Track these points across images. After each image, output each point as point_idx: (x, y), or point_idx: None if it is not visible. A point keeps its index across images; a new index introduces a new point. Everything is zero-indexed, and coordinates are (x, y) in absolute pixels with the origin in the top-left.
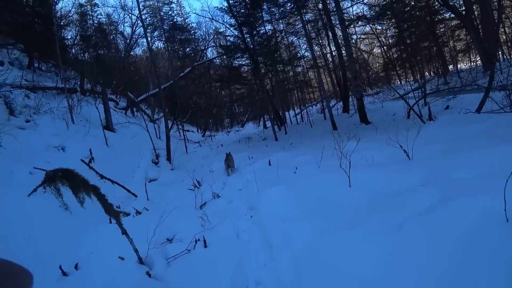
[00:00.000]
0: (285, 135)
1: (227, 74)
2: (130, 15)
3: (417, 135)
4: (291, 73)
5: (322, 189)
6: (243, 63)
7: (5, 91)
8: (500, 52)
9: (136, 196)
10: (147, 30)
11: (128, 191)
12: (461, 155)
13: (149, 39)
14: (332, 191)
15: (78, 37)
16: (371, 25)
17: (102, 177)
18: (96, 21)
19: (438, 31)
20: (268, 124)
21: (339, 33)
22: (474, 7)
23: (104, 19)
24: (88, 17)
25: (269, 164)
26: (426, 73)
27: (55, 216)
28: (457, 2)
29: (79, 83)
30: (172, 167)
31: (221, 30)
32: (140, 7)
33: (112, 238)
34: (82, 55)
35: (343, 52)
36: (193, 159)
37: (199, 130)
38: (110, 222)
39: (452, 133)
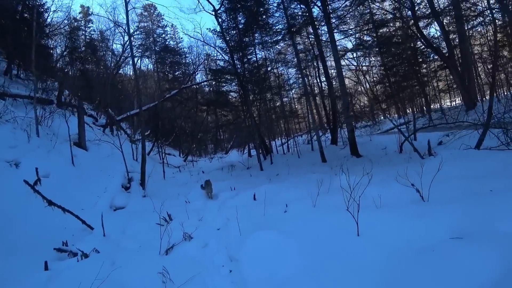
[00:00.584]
0: (271, 165)
1: (214, 98)
2: (123, 33)
3: (437, 172)
4: (278, 102)
5: (322, 237)
6: (232, 89)
7: None
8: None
9: (92, 228)
10: (138, 50)
11: (83, 222)
12: (489, 198)
13: (136, 58)
14: (336, 240)
15: (65, 49)
16: (355, 62)
17: (50, 203)
18: (88, 37)
19: (422, 71)
20: (253, 152)
21: (329, 64)
22: (455, 50)
23: (96, 35)
24: (81, 32)
25: (254, 199)
26: (409, 110)
27: None
28: (440, 44)
29: (56, 94)
30: (145, 193)
31: (212, 54)
32: (133, 26)
33: None
34: (67, 67)
35: (334, 83)
36: (170, 185)
37: (181, 155)
38: (46, 269)
39: (462, 170)
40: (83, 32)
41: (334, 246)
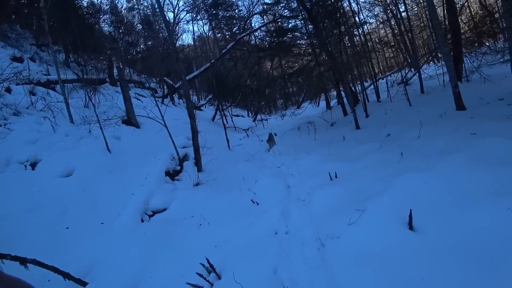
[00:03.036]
0: (366, 119)
1: (276, 41)
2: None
3: None
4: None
5: None
6: (297, 25)
7: None
8: None
9: (84, 284)
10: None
11: (66, 276)
12: None
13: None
14: None
15: (111, 24)
16: None
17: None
18: (142, 14)
19: None
20: (332, 103)
21: None
22: None
23: (149, 11)
24: (136, 10)
25: (410, 226)
26: None
27: None
28: None
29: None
30: (198, 180)
31: None
32: None
33: None
34: (115, 43)
35: None
36: (234, 160)
37: (250, 114)
38: None
39: None
40: (138, 10)
41: None
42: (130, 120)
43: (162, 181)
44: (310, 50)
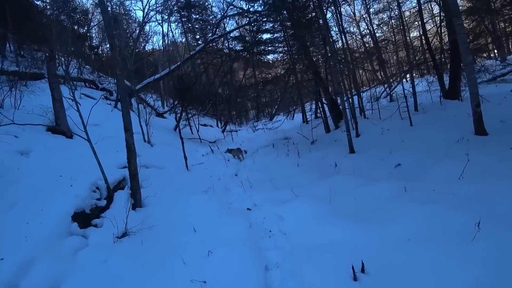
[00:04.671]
0: (357, 139)
1: (251, 42)
2: None
3: None
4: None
5: None
6: (273, 28)
7: None
8: None
9: None
10: (161, 13)
11: None
12: None
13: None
14: None
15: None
16: None
17: None
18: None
19: None
20: (309, 116)
21: None
22: None
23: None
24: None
25: None
26: None
27: None
28: None
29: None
30: (126, 228)
31: None
32: None
33: None
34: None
35: None
36: (188, 192)
37: (219, 124)
38: None
39: None
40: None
41: None
42: (59, 127)
43: (62, 232)
44: (287, 57)
